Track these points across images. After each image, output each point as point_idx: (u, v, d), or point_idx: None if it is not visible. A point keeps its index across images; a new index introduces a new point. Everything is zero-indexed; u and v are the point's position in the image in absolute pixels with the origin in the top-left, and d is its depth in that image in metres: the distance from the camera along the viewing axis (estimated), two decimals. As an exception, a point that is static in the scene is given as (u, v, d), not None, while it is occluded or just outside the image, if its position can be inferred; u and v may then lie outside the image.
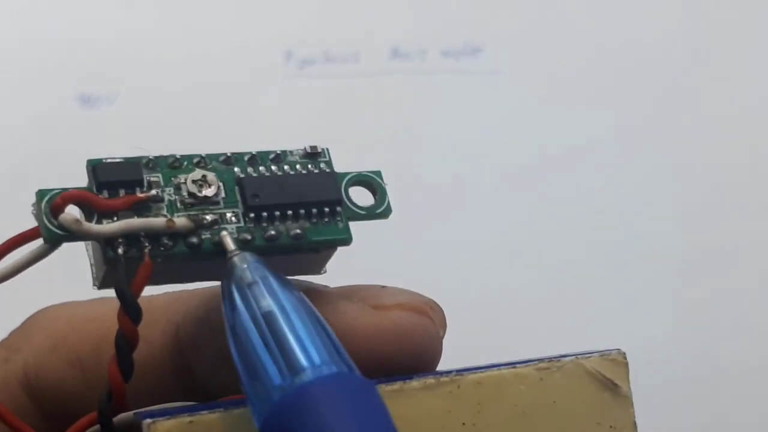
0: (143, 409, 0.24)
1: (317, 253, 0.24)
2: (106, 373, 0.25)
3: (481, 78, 0.68)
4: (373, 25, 0.69)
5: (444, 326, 0.25)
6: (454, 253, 0.66)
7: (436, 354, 0.24)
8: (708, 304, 0.66)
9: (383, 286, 0.25)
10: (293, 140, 0.72)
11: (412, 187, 0.65)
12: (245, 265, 0.22)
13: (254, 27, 0.68)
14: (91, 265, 0.23)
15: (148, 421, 0.22)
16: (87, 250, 0.23)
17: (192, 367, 0.25)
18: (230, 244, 0.22)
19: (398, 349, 0.24)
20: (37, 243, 0.22)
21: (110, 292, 0.25)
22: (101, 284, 0.23)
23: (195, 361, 0.25)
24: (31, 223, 0.23)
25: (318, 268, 0.25)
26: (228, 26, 0.68)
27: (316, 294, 0.24)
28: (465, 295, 0.61)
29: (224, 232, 0.22)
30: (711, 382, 0.65)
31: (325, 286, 0.25)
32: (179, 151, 0.24)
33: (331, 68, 0.68)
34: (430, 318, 0.24)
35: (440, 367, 0.25)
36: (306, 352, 0.20)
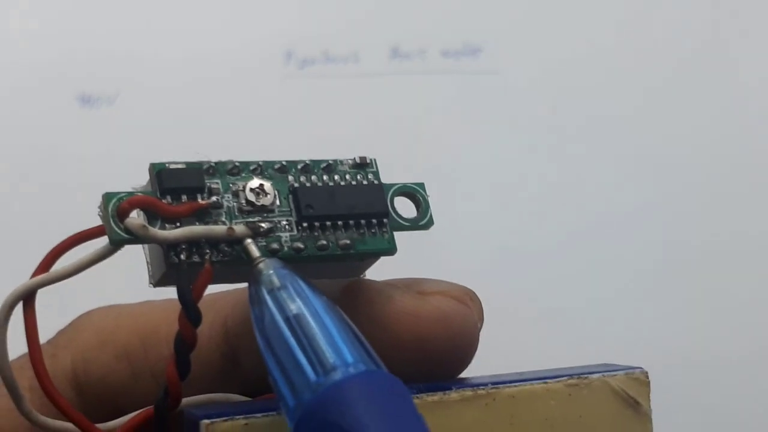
0: (193, 403, 0.24)
1: (361, 261, 0.25)
2: (153, 365, 0.26)
3: (481, 78, 0.69)
4: (373, 25, 0.69)
5: (481, 317, 0.26)
6: (451, 254, 0.66)
7: (473, 341, 0.25)
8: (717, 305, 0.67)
9: (426, 278, 0.26)
10: (294, 140, 0.71)
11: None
12: (271, 271, 0.23)
13: (254, 27, 0.69)
14: (148, 263, 0.23)
15: (206, 421, 0.22)
16: (143, 249, 0.23)
17: (238, 355, 0.26)
18: (255, 251, 0.23)
19: (438, 332, 0.25)
20: (100, 242, 0.23)
21: (154, 295, 0.25)
22: (157, 283, 0.23)
23: (241, 349, 0.26)
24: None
25: (358, 274, 0.26)
26: (228, 26, 0.69)
27: (363, 284, 0.25)
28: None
29: (248, 240, 0.23)
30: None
31: (372, 280, 0.26)
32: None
33: (331, 68, 0.69)
34: (468, 306, 0.25)
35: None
36: (337, 351, 0.21)
